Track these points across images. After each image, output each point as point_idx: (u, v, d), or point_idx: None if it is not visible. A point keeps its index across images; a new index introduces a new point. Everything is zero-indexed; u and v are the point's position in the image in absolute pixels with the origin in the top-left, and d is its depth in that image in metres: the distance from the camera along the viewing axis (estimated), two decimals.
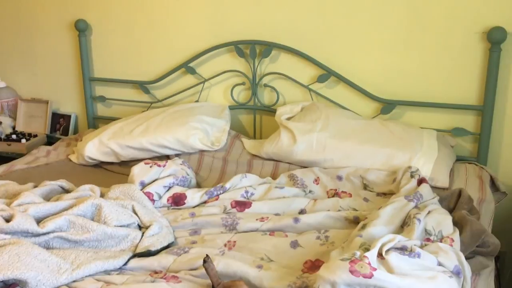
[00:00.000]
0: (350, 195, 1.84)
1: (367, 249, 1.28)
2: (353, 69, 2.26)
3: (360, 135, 2.03)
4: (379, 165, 1.93)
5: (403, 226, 1.51)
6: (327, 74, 2.27)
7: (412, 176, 1.78)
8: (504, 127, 2.08)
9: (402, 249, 1.30)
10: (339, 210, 1.71)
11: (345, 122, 2.11)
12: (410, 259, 1.25)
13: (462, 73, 2.09)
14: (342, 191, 1.86)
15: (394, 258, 1.24)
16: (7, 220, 1.46)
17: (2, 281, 1.28)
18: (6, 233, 1.43)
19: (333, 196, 1.85)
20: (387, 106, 2.20)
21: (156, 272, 1.40)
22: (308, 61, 2.30)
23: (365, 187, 1.89)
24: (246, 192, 1.83)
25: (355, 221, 1.62)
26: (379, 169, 1.92)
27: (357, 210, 1.70)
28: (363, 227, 1.47)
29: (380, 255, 1.26)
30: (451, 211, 1.62)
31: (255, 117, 2.48)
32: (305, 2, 2.27)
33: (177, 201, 1.79)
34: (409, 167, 1.84)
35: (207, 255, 1.30)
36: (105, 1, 2.63)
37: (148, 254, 1.48)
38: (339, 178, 1.92)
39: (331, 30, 2.26)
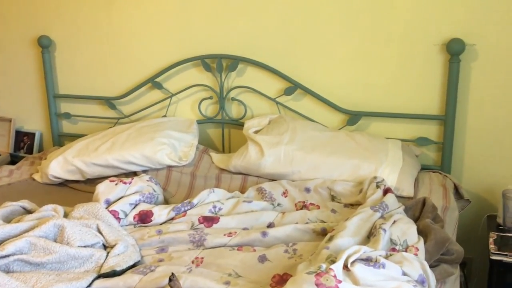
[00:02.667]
0: (318, 207, 1.85)
1: (334, 261, 1.28)
2: (319, 81, 2.28)
3: (327, 146, 2.05)
4: (346, 176, 1.95)
5: (370, 236, 1.53)
6: (293, 87, 2.29)
7: (377, 187, 1.80)
8: (466, 136, 2.13)
9: (367, 260, 1.30)
10: (307, 223, 1.71)
11: (312, 134, 2.12)
12: (375, 270, 1.26)
13: (424, 84, 2.14)
14: (310, 203, 1.87)
15: (359, 269, 1.24)
16: None
17: None
18: None
19: (301, 209, 1.85)
20: (353, 118, 2.23)
21: None
22: (274, 74, 2.32)
23: (333, 198, 1.90)
24: (214, 207, 1.82)
25: (322, 233, 1.62)
26: (346, 180, 1.93)
27: (325, 222, 1.71)
28: (330, 239, 1.48)
29: (345, 267, 1.27)
30: (416, 220, 1.64)
31: (223, 131, 2.47)
32: (271, 16, 2.29)
33: (144, 218, 1.76)
34: (375, 178, 1.86)
35: (172, 273, 1.28)
36: (69, 17, 2.60)
37: (113, 274, 1.44)
38: (307, 190, 1.93)
39: (297, 43, 2.28)
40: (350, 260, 1.27)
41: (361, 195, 1.82)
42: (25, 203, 1.79)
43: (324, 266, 1.24)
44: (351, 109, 2.25)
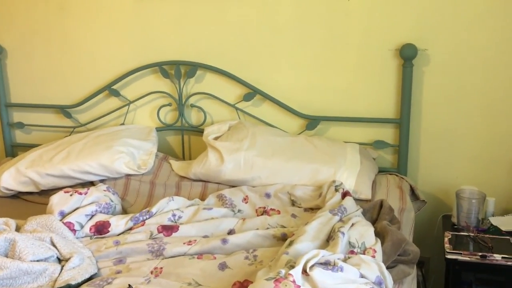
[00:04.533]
0: (279, 212, 1.85)
1: (293, 267, 1.28)
2: (277, 87, 2.30)
3: (286, 152, 2.06)
4: (306, 181, 1.96)
5: (329, 240, 1.54)
6: (252, 92, 2.30)
7: (336, 190, 1.82)
8: (420, 139, 2.19)
9: (326, 264, 1.31)
10: (267, 228, 1.71)
11: (272, 139, 2.13)
12: (334, 273, 1.27)
13: (380, 88, 2.18)
14: (271, 209, 1.87)
15: (318, 273, 1.25)
16: None
17: None
18: None
19: (262, 214, 1.85)
20: (311, 122, 2.26)
21: None
22: (233, 80, 2.32)
23: (293, 203, 1.91)
24: (174, 215, 1.79)
25: (283, 238, 1.63)
26: (305, 185, 1.95)
27: (285, 227, 1.71)
28: (290, 243, 1.48)
29: (304, 271, 1.27)
30: (374, 222, 1.67)
31: (183, 137, 2.45)
32: (229, 22, 2.29)
33: (101, 229, 1.72)
34: (334, 181, 1.88)
35: (129, 285, 1.25)
36: (20, 24, 2.52)
37: None
38: (268, 195, 1.93)
39: (254, 49, 2.29)
40: (309, 264, 1.28)
41: (320, 199, 1.84)
42: None
43: (283, 271, 1.24)
44: (310, 114, 2.27)
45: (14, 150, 2.66)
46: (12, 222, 1.67)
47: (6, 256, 1.46)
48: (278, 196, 1.92)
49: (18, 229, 1.66)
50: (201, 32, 2.33)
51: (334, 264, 1.30)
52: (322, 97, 2.27)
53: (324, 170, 1.96)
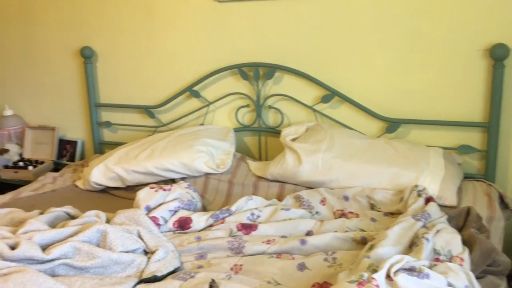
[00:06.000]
0: (357, 216, 1.82)
1: (375, 271, 1.26)
2: (357, 88, 2.26)
3: (365, 154, 2.02)
4: (386, 185, 1.92)
5: (411, 246, 1.49)
6: (330, 94, 2.28)
7: (419, 195, 1.76)
8: (511, 144, 2.06)
9: (411, 270, 1.27)
10: (346, 231, 1.69)
11: (350, 142, 2.10)
12: (419, 280, 1.23)
13: (466, 90, 2.08)
14: (349, 212, 1.84)
15: (402, 279, 1.22)
16: (12, 248, 1.45)
17: None
18: (11, 260, 1.42)
19: (340, 217, 1.83)
20: (392, 125, 2.20)
21: None
22: (311, 82, 2.31)
23: (372, 207, 1.87)
24: (252, 214, 1.82)
25: (362, 242, 1.60)
26: (385, 189, 1.90)
27: (364, 231, 1.68)
28: (371, 248, 1.45)
29: (388, 276, 1.24)
30: (460, 229, 1.59)
31: (260, 138, 2.48)
32: (307, 23, 2.29)
33: (183, 225, 1.78)
34: (416, 186, 1.82)
35: (213, 279, 1.28)
36: (110, 28, 2.67)
37: (154, 279, 1.46)
38: (346, 198, 1.91)
39: (334, 50, 2.27)
40: (393, 269, 1.25)
41: (401, 204, 1.79)
42: (69, 209, 1.84)
43: (366, 275, 1.22)
44: (390, 116, 2.21)
45: (102, 148, 2.82)
46: (103, 215, 1.77)
47: (98, 246, 1.56)
48: (357, 199, 1.89)
49: (107, 221, 1.76)
50: (279, 34, 2.35)
51: (420, 271, 1.26)
52: (403, 99, 2.20)
53: (405, 174, 1.91)
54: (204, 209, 2.04)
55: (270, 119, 2.47)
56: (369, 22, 2.18)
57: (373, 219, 1.77)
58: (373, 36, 2.19)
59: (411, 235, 1.52)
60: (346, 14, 2.21)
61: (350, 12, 2.21)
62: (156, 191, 1.90)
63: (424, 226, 1.57)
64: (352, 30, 2.22)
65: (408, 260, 1.30)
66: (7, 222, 1.73)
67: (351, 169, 1.98)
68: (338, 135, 2.14)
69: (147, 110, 2.66)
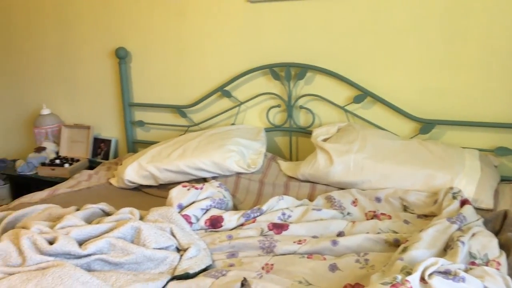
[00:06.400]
0: (390, 217, 1.80)
1: (409, 273, 1.24)
2: (389, 88, 2.23)
3: (398, 155, 2.00)
4: (419, 186, 1.89)
5: (446, 249, 1.46)
6: (363, 94, 2.26)
7: (454, 197, 1.73)
8: None
9: (446, 273, 1.25)
10: (378, 233, 1.67)
11: (383, 142, 2.08)
12: (455, 283, 1.21)
13: (504, 90, 2.03)
14: (381, 213, 1.82)
15: (437, 282, 1.20)
16: (51, 243, 1.50)
17: None
18: (50, 255, 1.46)
19: (372, 218, 1.81)
20: (426, 126, 2.16)
21: None
22: (343, 82, 2.30)
23: (405, 208, 1.84)
24: (283, 214, 1.82)
25: (395, 244, 1.58)
26: (419, 191, 1.87)
27: (397, 233, 1.66)
28: (404, 250, 1.43)
29: (422, 279, 1.22)
30: (496, 233, 1.55)
31: (291, 139, 2.48)
32: (340, 23, 2.28)
33: (215, 223, 1.80)
34: (451, 188, 1.79)
35: (244, 278, 1.29)
36: (144, 29, 2.72)
37: (186, 277, 1.48)
38: (378, 199, 1.89)
39: (366, 49, 2.25)
40: (427, 272, 1.23)
41: (436, 206, 1.76)
42: (104, 206, 1.88)
43: (399, 277, 1.21)
44: (424, 117, 2.18)
45: (134, 146, 2.87)
46: (136, 212, 1.80)
47: (132, 242, 1.59)
48: (389, 201, 1.87)
49: (141, 218, 1.79)
50: (311, 34, 2.35)
51: (455, 274, 1.23)
52: (438, 99, 2.16)
53: (439, 176, 1.87)
54: (235, 208, 2.05)
55: (301, 119, 2.46)
56: (403, 20, 2.15)
57: (406, 221, 1.75)
58: (408, 34, 2.16)
59: (446, 238, 1.49)
60: (379, 12, 2.19)
61: (383, 11, 2.18)
62: (188, 189, 1.92)
63: (459, 229, 1.54)
64: (385, 28, 2.20)
65: (443, 263, 1.27)
66: (45, 218, 1.79)
67: (384, 170, 1.95)
68: (370, 135, 2.12)
69: (179, 110, 2.70)
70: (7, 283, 1.32)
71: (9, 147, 3.33)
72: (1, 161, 3.12)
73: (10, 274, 1.38)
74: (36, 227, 1.57)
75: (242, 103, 2.54)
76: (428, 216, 1.77)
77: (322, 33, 2.32)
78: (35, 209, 1.83)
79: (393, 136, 2.17)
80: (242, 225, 1.80)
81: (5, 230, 1.70)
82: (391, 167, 1.95)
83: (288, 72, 2.37)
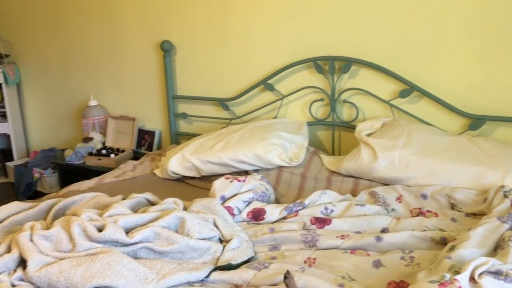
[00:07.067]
0: (436, 215, 1.75)
1: (458, 272, 1.21)
2: (438, 83, 2.17)
3: (446, 152, 1.94)
4: (468, 184, 1.83)
5: (496, 249, 1.42)
6: (409, 89, 2.21)
7: (505, 196, 1.66)
8: None
9: (497, 273, 1.21)
10: (424, 230, 1.63)
11: (430, 138, 2.02)
12: (506, 284, 1.17)
13: None
14: (427, 210, 1.78)
15: (488, 282, 1.16)
16: (99, 230, 1.54)
17: None
18: (98, 242, 1.51)
19: (417, 215, 1.77)
20: (475, 122, 2.09)
21: (237, 286, 1.41)
22: (389, 76, 2.25)
23: (453, 206, 1.79)
24: (326, 208, 1.80)
25: (442, 242, 1.54)
26: (467, 188, 1.82)
27: (444, 231, 1.62)
28: (452, 248, 1.39)
29: (472, 278, 1.19)
30: None
31: (333, 133, 2.45)
32: (385, 15, 2.23)
33: (257, 216, 1.80)
34: (502, 186, 1.73)
35: (288, 271, 1.29)
36: (188, 22, 2.75)
37: (229, 267, 1.50)
38: (424, 196, 1.84)
39: (413, 42, 2.19)
40: (477, 272, 1.19)
41: (485, 205, 1.70)
42: (149, 196, 1.92)
43: (448, 276, 1.18)
44: (474, 112, 2.10)
45: (177, 138, 2.92)
46: (180, 202, 1.83)
47: (176, 232, 1.61)
48: (436, 198, 1.82)
49: (184, 209, 1.82)
50: (356, 26, 2.31)
51: (507, 275, 1.19)
52: (489, 94, 2.09)
53: (490, 173, 1.81)
54: (277, 201, 2.05)
55: (345, 113, 2.43)
56: (452, 11, 2.08)
57: (453, 219, 1.70)
58: (457, 27, 2.09)
59: (496, 237, 1.44)
60: (427, 2, 2.13)
61: (431, 1, 2.11)
62: (231, 181, 1.93)
63: (510, 229, 1.48)
64: (434, 20, 2.13)
65: (494, 263, 1.23)
66: (93, 205, 1.84)
67: (430, 167, 1.91)
68: (417, 131, 2.07)
69: (222, 103, 2.72)
70: (58, 267, 1.37)
71: (58, 137, 3.45)
72: (51, 150, 3.24)
73: (61, 258, 1.43)
74: (86, 215, 1.62)
75: (284, 96, 2.53)
76: (477, 215, 1.72)
77: (368, 25, 2.28)
78: (83, 197, 1.89)
79: (441, 132, 2.11)
80: (284, 218, 1.79)
81: (55, 216, 1.77)
82: (438, 164, 1.90)
83: (332, 66, 2.34)
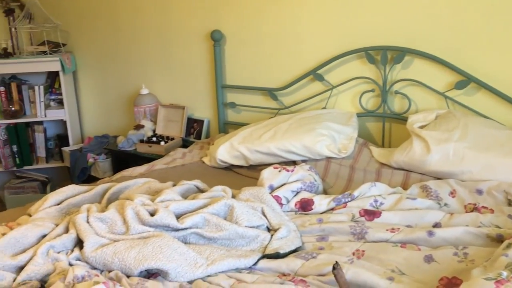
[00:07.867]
0: (492, 211, 1.69)
1: None
2: (497, 74, 2.08)
3: (504, 146, 1.86)
4: None
5: None
6: (466, 80, 2.12)
7: None
8: None
9: None
10: (479, 226, 1.58)
11: (487, 131, 1.95)
12: None
13: None
14: (483, 206, 1.72)
15: None
16: (152, 214, 1.59)
17: (146, 270, 1.39)
18: (150, 226, 1.55)
19: (471, 211, 1.71)
20: None
21: (284, 275, 1.42)
22: (444, 67, 2.17)
23: (510, 203, 1.72)
24: (375, 201, 1.78)
25: (498, 239, 1.48)
26: None
27: (500, 228, 1.56)
28: (509, 246, 1.34)
29: None
30: None
31: (384, 125, 2.40)
32: (442, 3, 2.15)
33: (305, 206, 1.80)
34: None
35: (336, 262, 1.28)
36: (238, 12, 2.75)
37: (276, 256, 1.51)
38: (479, 192, 1.78)
39: (471, 31, 2.11)
40: None
41: None
42: (198, 183, 1.95)
43: (505, 273, 1.14)
44: None
45: (226, 127, 2.95)
46: (229, 190, 1.85)
47: (225, 219, 1.64)
48: (492, 194, 1.75)
49: (233, 197, 1.84)
50: (410, 15, 2.24)
51: None
52: None
53: None
54: (325, 192, 2.04)
55: (396, 105, 2.37)
56: None
57: (510, 216, 1.63)
58: None
59: None
60: None
61: None
62: (279, 171, 1.94)
63: None
64: (493, 8, 2.03)
65: None
66: (145, 191, 1.90)
67: (487, 161, 1.83)
68: (473, 124, 1.99)
69: (271, 92, 2.72)
70: (113, 248, 1.42)
71: (111, 124, 3.56)
72: (104, 136, 3.36)
73: (115, 240, 1.49)
74: (139, 199, 1.67)
75: (334, 87, 2.50)
76: None
77: (422, 13, 2.20)
78: (136, 182, 1.95)
79: (499, 125, 2.03)
80: (332, 209, 1.78)
81: (110, 200, 1.83)
82: (495, 158, 1.83)
83: (385, 56, 2.29)
